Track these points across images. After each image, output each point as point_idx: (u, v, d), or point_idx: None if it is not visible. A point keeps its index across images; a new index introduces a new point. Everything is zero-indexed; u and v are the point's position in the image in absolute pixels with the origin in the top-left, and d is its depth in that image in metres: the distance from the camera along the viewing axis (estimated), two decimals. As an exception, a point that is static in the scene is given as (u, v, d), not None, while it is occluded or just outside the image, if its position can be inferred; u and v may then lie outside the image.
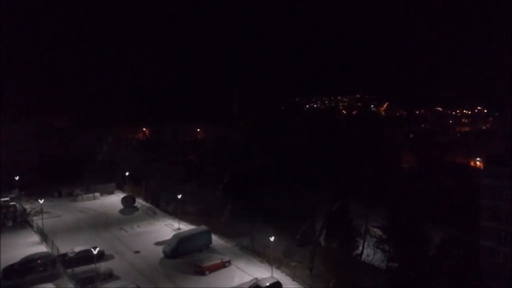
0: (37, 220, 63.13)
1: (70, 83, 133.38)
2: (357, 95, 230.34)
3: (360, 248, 56.30)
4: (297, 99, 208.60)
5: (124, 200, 75.63)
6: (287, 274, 48.52)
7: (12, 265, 45.41)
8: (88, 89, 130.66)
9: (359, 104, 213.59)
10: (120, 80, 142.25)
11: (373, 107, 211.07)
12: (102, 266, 47.25)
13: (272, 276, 45.94)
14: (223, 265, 49.84)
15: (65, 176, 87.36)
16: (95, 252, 44.95)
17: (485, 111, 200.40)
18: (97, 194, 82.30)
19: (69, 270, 46.27)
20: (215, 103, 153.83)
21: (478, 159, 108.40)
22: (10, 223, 63.39)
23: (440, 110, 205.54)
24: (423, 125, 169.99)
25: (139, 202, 78.82)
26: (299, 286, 46.37)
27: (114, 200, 79.75)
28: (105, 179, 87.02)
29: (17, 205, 69.80)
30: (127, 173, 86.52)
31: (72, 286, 43.49)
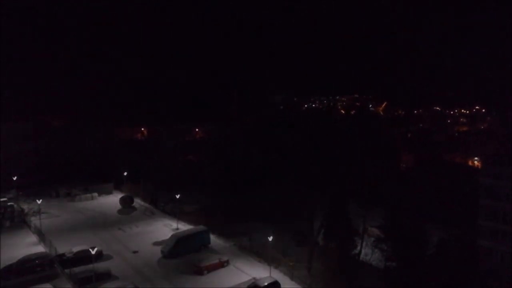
0: (35, 220, 63.01)
1: (69, 83, 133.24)
2: (356, 95, 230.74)
3: (358, 247, 56.31)
4: (295, 99, 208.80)
5: (122, 200, 75.57)
6: (285, 274, 48.56)
7: (10, 266, 45.31)
8: (87, 89, 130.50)
9: (357, 104, 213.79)
10: (118, 79, 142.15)
11: (371, 106, 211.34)
12: (100, 266, 47.23)
13: (270, 276, 45.99)
14: (222, 265, 49.87)
15: (63, 176, 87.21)
16: (93, 252, 44.89)
17: (483, 110, 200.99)
18: (95, 194, 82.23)
19: (67, 270, 46.27)
20: (214, 103, 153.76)
21: (476, 158, 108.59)
22: (8, 224, 63.23)
23: (438, 109, 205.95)
24: (421, 125, 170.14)
25: (137, 202, 78.73)
26: (298, 286, 46.44)
27: (112, 200, 79.64)
28: (103, 179, 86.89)
29: (15, 205, 69.65)
30: (125, 173, 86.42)
31: (70, 286, 43.43)
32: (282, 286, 44.89)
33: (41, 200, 63.30)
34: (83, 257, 48.40)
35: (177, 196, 66.27)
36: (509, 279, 51.87)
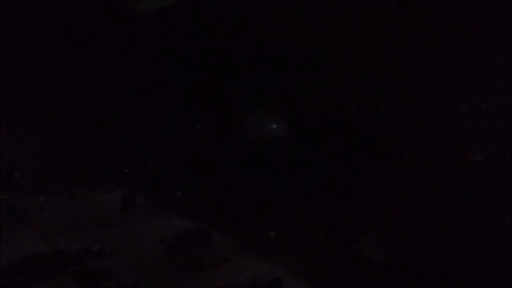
0: (36, 218, 63.10)
1: (71, 81, 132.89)
2: (357, 91, 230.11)
3: (361, 244, 56.29)
4: (297, 96, 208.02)
5: (124, 197, 75.58)
6: (287, 271, 48.53)
7: (12, 264, 45.39)
8: (89, 87, 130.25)
9: (358, 100, 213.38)
10: (120, 78, 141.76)
11: (372, 103, 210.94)
12: (102, 263, 47.32)
13: (272, 273, 45.93)
14: (223, 262, 49.89)
15: (65, 173, 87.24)
16: (95, 249, 44.96)
17: (484, 105, 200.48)
18: (97, 191, 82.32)
19: (69, 268, 46.33)
20: (216, 101, 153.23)
21: (478, 155, 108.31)
22: (9, 221, 63.37)
23: (439, 105, 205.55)
24: (422, 122, 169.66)
25: (140, 199, 78.73)
26: (300, 283, 46.42)
27: (114, 197, 79.70)
28: (106, 176, 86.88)
29: (17, 203, 69.72)
30: (127, 170, 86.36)
31: (72, 284, 43.49)
32: (284, 283, 44.87)
33: (43, 198, 63.39)
34: (85, 254, 48.50)
35: (179, 193, 66.22)
36: (509, 279, 51.76)
